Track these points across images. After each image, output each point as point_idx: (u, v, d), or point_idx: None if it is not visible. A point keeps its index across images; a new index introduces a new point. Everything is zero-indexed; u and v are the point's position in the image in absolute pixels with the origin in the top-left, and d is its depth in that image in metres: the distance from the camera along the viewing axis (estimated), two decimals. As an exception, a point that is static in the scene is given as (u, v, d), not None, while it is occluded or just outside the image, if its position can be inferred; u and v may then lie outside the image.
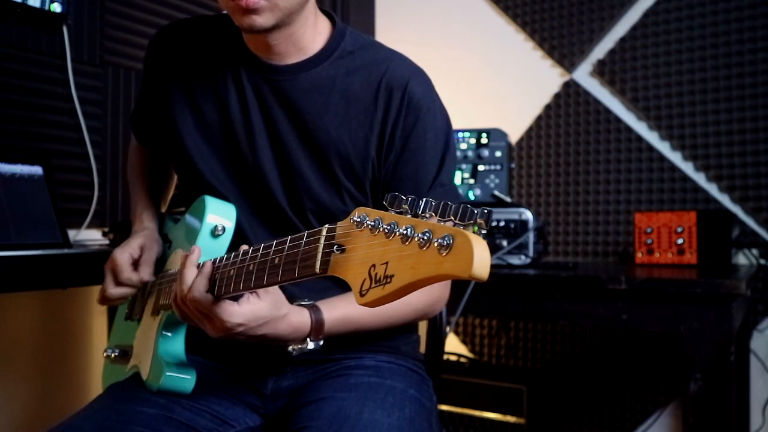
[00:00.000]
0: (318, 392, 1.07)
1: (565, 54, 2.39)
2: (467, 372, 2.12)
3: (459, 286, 1.60)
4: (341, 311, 1.03)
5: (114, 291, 1.14)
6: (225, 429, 1.07)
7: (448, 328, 1.32)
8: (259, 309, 0.92)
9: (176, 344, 1.10)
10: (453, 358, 2.26)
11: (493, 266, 1.65)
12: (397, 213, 0.64)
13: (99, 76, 1.85)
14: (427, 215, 0.62)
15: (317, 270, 0.71)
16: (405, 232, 0.60)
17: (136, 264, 1.15)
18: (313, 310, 1.01)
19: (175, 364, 1.06)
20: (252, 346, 1.07)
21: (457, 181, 2.03)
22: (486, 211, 0.58)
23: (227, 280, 0.89)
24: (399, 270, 0.60)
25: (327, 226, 0.72)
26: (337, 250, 0.69)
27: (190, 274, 0.94)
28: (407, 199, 0.64)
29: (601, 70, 2.32)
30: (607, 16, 2.32)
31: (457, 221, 0.59)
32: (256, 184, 1.11)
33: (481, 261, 0.53)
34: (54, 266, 1.36)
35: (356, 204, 1.14)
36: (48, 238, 1.46)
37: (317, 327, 1.00)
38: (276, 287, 0.94)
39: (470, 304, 1.58)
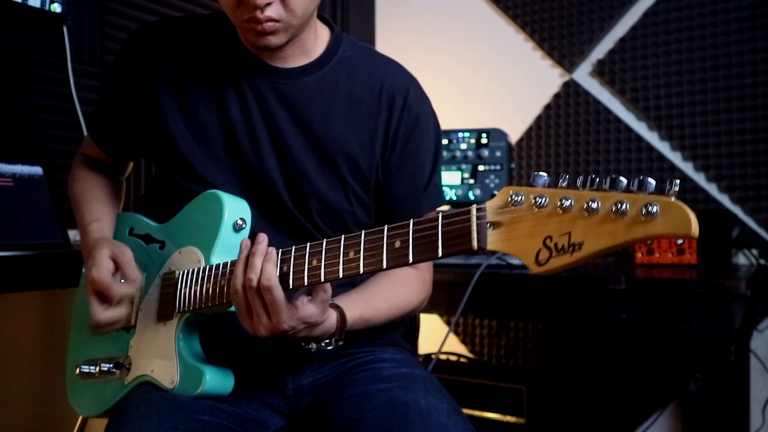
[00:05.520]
0: (354, 386, 1.05)
1: (565, 54, 2.39)
2: (467, 372, 2.12)
3: (459, 286, 1.60)
4: (358, 310, 1.03)
5: (107, 314, 1.04)
6: None
7: (448, 328, 1.32)
8: (312, 314, 0.92)
9: (197, 347, 1.05)
10: (453, 358, 2.26)
11: (492, 266, 1.65)
12: (552, 189, 0.70)
13: (99, 76, 1.85)
14: (604, 188, 0.68)
15: (474, 246, 0.75)
16: (590, 205, 0.67)
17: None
18: (338, 310, 1.00)
19: (211, 365, 1.02)
20: (266, 345, 1.06)
21: (457, 180, 2.03)
22: (677, 181, 0.65)
23: (311, 270, 0.88)
24: (590, 237, 0.67)
25: (475, 205, 0.76)
26: (490, 227, 0.74)
27: (260, 263, 0.90)
28: (564, 177, 0.71)
29: (601, 70, 2.32)
30: (607, 16, 2.32)
31: (652, 192, 0.65)
32: (260, 185, 1.10)
33: (695, 221, 0.63)
34: (54, 266, 1.36)
35: (360, 204, 1.15)
36: (48, 238, 1.46)
37: (341, 327, 1.00)
38: (329, 290, 0.93)
39: (470, 304, 1.58)
